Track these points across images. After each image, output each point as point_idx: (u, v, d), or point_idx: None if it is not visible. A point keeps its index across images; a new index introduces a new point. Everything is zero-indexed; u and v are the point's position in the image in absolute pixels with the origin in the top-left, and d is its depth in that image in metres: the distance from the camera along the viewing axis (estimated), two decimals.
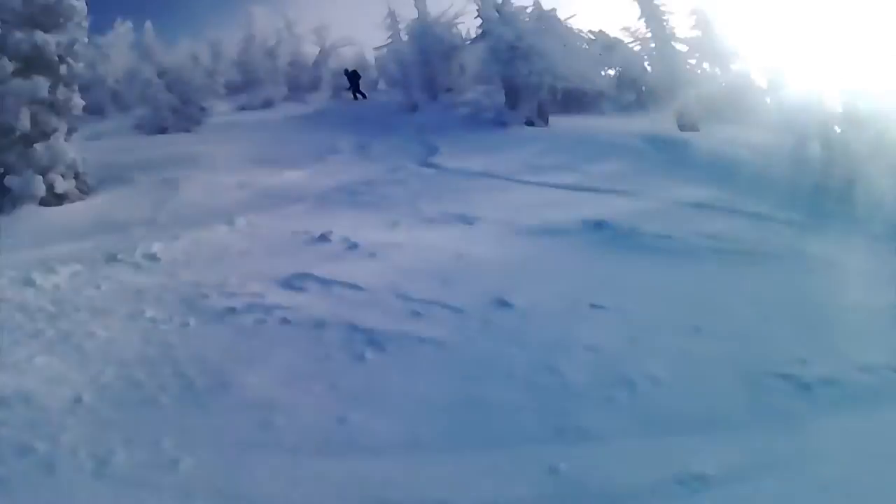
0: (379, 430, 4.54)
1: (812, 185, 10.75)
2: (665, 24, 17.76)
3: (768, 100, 17.07)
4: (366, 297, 6.66)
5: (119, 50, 27.67)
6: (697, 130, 15.97)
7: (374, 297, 6.65)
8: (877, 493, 3.91)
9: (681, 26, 18.55)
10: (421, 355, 5.52)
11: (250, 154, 14.43)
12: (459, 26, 22.43)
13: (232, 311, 6.50)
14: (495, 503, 3.85)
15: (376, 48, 23.67)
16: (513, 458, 4.21)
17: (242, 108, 20.35)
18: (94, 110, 23.30)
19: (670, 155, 13.14)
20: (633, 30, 20.51)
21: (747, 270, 7.32)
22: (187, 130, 18.87)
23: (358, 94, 25.67)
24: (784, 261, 7.77)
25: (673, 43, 17.91)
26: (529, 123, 16.92)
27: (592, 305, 6.25)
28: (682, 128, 16.27)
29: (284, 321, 6.22)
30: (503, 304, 6.33)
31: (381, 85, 31.62)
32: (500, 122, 17.00)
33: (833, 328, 5.94)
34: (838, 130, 11.09)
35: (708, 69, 20.08)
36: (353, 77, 26.92)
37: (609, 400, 4.82)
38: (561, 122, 17.21)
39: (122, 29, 28.04)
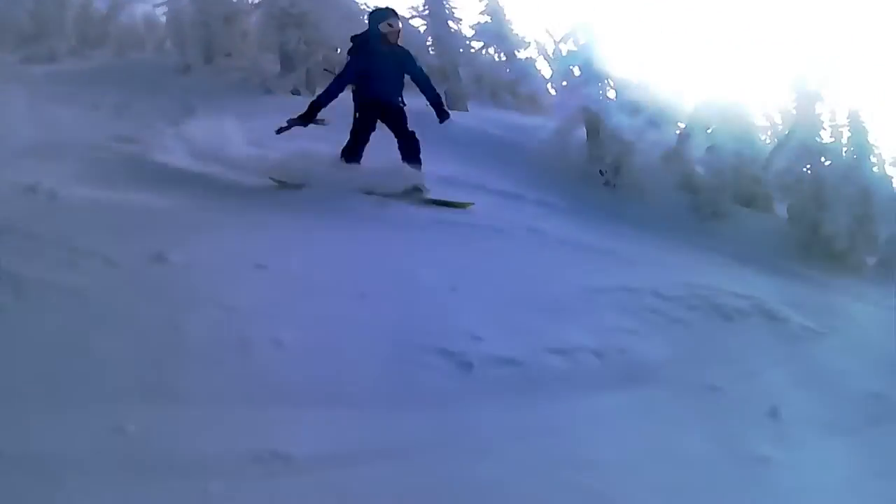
0: None
1: (576, 170, 11.00)
2: (444, 3, 17.78)
3: (550, 87, 17.43)
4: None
5: None
6: (466, 111, 16.13)
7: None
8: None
9: (470, 10, 18.62)
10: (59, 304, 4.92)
11: None
12: None
13: None
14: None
15: (156, 5, 22.13)
16: (77, 416, 3.90)
17: (28, 60, 18.73)
18: None
19: (430, 132, 13.20)
20: (418, 8, 20.49)
21: (478, 245, 7.40)
22: None
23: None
24: (514, 237, 7.88)
25: (449, 22, 17.94)
26: (295, 92, 16.62)
27: (258, 265, 5.98)
28: (449, 106, 16.43)
29: None
30: (161, 259, 5.79)
31: (168, 45, 30.09)
32: (266, 90, 16.64)
33: (539, 308, 5.98)
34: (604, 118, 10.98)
35: (492, 54, 20.32)
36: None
37: (218, 363, 4.56)
38: None
39: None
